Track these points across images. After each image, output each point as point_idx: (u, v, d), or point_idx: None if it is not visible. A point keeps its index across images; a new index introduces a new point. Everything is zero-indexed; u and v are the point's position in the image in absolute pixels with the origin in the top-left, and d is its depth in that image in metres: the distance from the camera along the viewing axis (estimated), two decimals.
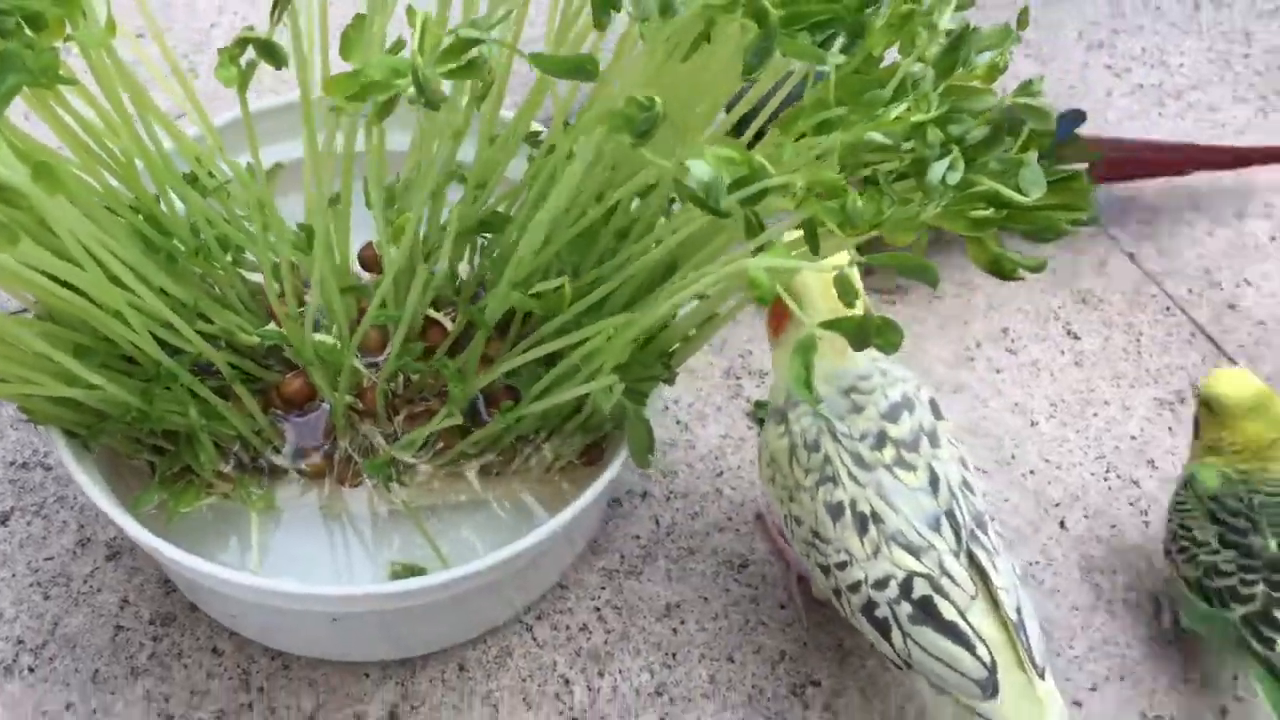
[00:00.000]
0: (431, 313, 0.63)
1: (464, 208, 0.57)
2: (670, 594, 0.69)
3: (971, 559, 0.55)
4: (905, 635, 0.54)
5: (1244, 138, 0.89)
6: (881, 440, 0.56)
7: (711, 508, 0.72)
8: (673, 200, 0.56)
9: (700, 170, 0.42)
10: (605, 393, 0.53)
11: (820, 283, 0.55)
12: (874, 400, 0.56)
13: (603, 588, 0.69)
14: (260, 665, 0.65)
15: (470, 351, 0.59)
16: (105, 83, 0.51)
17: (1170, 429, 0.75)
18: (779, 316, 0.59)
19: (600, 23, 0.47)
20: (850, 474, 0.56)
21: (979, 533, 0.56)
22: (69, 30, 0.49)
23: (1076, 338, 0.79)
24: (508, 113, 0.62)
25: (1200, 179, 0.86)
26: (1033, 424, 0.76)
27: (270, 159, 0.63)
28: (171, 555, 0.55)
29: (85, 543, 0.69)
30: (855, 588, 0.56)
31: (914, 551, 0.55)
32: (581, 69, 0.45)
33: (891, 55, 0.50)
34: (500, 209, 0.60)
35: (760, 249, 0.47)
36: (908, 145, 0.46)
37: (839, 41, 0.48)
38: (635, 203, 0.57)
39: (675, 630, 0.67)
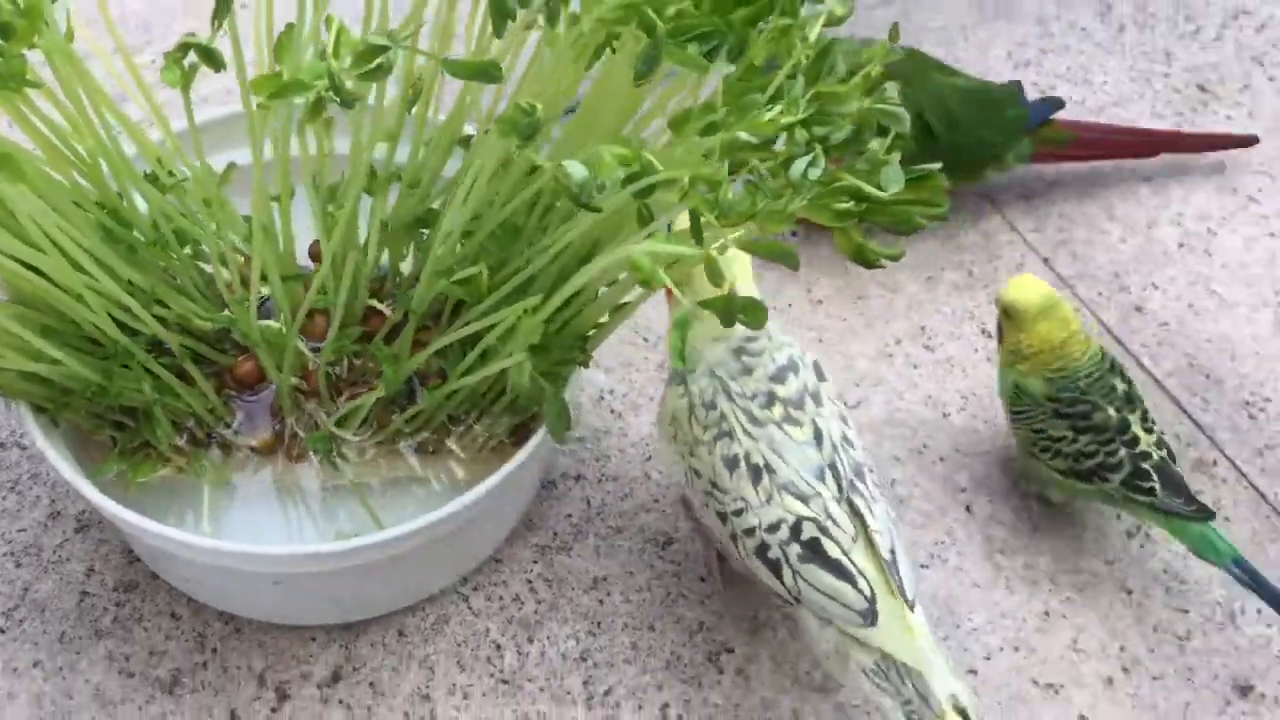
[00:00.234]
0: (374, 303, 0.68)
1: (398, 205, 0.63)
2: (598, 568, 0.74)
3: (851, 505, 0.61)
4: (795, 573, 0.60)
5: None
6: (771, 400, 0.62)
7: (640, 490, 0.77)
8: None
9: (575, 170, 0.48)
10: (520, 370, 0.59)
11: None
12: (762, 363, 0.62)
13: (535, 562, 0.74)
14: (214, 629, 0.71)
15: (403, 336, 0.64)
16: (69, 88, 0.57)
17: None
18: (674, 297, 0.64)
19: (499, 31, 0.52)
20: (744, 430, 0.61)
21: (858, 482, 0.61)
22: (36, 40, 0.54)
23: (990, 336, 0.84)
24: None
25: (1116, 190, 0.92)
26: (945, 415, 0.81)
27: (231, 159, 0.69)
28: (126, 518, 0.60)
29: (56, 516, 0.74)
30: (750, 532, 0.61)
31: (802, 498, 0.60)
32: (486, 73, 0.51)
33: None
34: (435, 206, 0.66)
35: (649, 237, 0.53)
36: (779, 144, 0.51)
37: (725, 52, 0.54)
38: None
39: (601, 601, 0.73)
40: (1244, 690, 0.71)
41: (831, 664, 0.61)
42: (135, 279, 0.62)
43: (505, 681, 0.70)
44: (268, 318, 0.66)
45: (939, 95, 0.85)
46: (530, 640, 0.71)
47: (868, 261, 0.53)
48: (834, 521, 0.60)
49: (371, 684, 0.69)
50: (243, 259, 0.66)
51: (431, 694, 0.69)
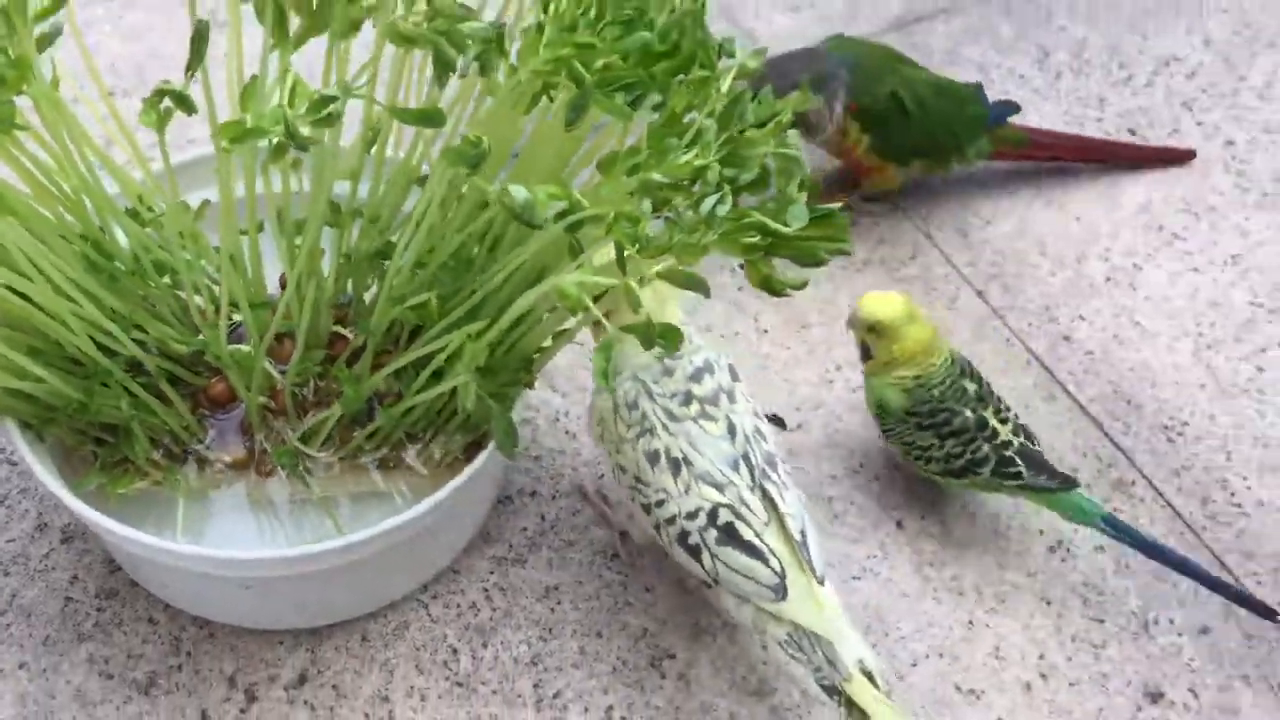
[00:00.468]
0: (338, 329, 0.74)
1: (360, 238, 0.69)
2: (550, 579, 0.79)
3: (764, 492, 0.66)
4: (713, 556, 0.66)
5: (1092, 192, 1.00)
6: (688, 398, 0.67)
7: (592, 507, 0.82)
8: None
9: (519, 193, 0.54)
10: (466, 390, 0.64)
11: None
12: (681, 365, 0.68)
13: (491, 572, 0.79)
14: (189, 633, 0.76)
15: (364, 359, 0.70)
16: (54, 131, 0.62)
17: None
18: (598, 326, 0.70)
19: (441, 82, 0.58)
20: (664, 426, 0.67)
21: (769, 471, 0.67)
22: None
23: None
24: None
25: (1048, 227, 0.97)
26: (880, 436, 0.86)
27: (207, 197, 0.74)
28: (105, 525, 0.65)
29: (43, 528, 0.80)
30: (671, 521, 0.67)
31: (718, 487, 0.66)
32: (429, 118, 0.56)
33: None
34: (395, 239, 0.71)
35: (579, 267, 0.58)
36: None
37: (648, 101, 0.59)
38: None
39: (553, 610, 0.78)
40: (1155, 696, 0.75)
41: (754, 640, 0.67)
42: (116, 305, 0.67)
43: (460, 684, 0.74)
44: (242, 342, 0.72)
45: (911, 83, 0.92)
46: (485, 645, 0.76)
47: (774, 290, 0.59)
48: (747, 507, 0.65)
49: (335, 686, 0.74)
50: (217, 287, 0.71)
51: (391, 695, 0.74)
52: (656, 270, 0.58)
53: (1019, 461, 0.77)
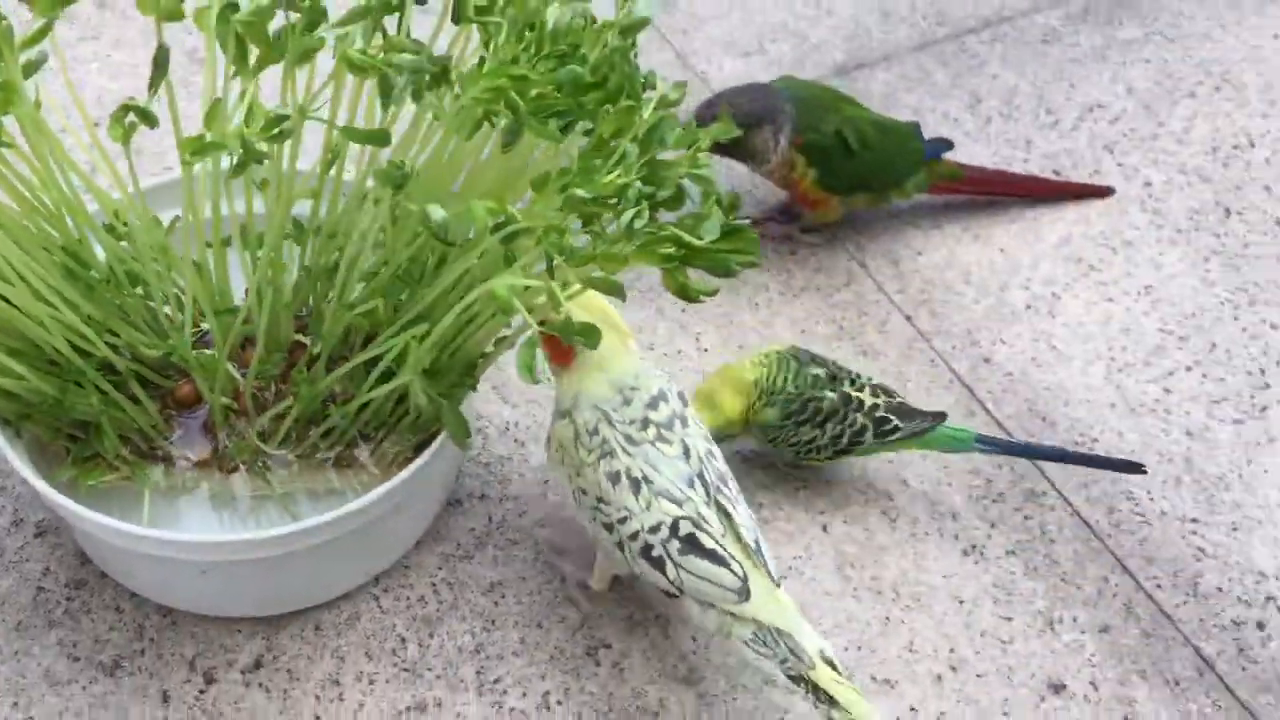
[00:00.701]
0: (299, 337, 0.79)
1: (318, 252, 0.75)
2: (495, 574, 0.84)
3: (719, 505, 0.72)
4: (677, 566, 0.71)
5: (1016, 226, 1.06)
6: (646, 423, 0.73)
7: (536, 508, 0.88)
8: None
9: (435, 213, 0.60)
10: (414, 389, 0.70)
11: (579, 309, 0.72)
12: (639, 395, 0.73)
13: (440, 568, 0.84)
14: (153, 620, 0.81)
15: (319, 363, 0.76)
16: (38, 150, 0.69)
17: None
18: (555, 349, 0.75)
19: (385, 106, 0.64)
20: (624, 449, 0.72)
21: (722, 487, 0.73)
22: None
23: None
24: None
25: (974, 257, 1.04)
26: None
27: (177, 214, 0.80)
28: (72, 509, 0.71)
29: (18, 522, 0.85)
30: (634, 536, 0.72)
31: (677, 502, 0.71)
32: (376, 138, 0.62)
33: None
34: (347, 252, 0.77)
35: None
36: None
37: (578, 127, 0.66)
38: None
39: (496, 603, 0.83)
40: (1057, 688, 0.81)
41: (717, 643, 0.73)
42: (91, 311, 0.73)
43: (407, 670, 0.80)
44: (210, 348, 0.78)
45: (854, 121, 0.99)
46: (431, 635, 0.81)
47: (689, 297, 0.65)
48: (705, 520, 0.71)
49: (289, 670, 0.79)
50: (184, 296, 0.77)
51: (341, 679, 0.79)
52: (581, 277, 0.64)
53: (892, 418, 0.84)
